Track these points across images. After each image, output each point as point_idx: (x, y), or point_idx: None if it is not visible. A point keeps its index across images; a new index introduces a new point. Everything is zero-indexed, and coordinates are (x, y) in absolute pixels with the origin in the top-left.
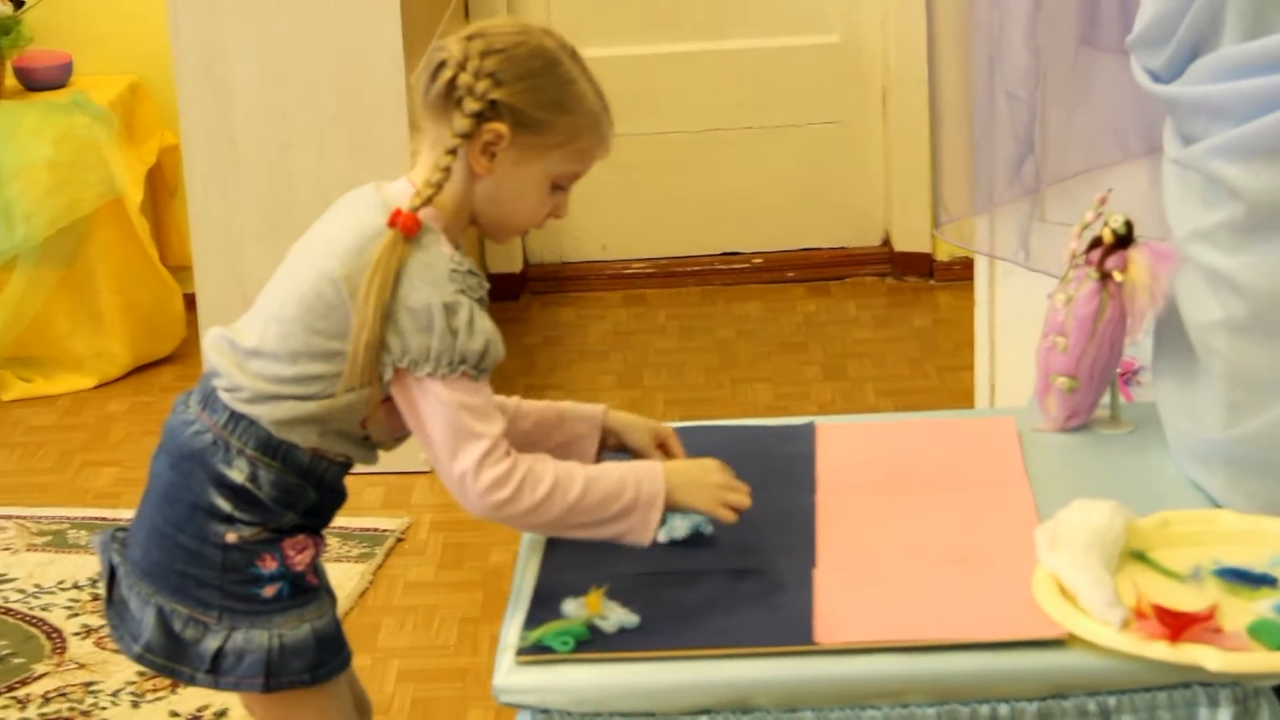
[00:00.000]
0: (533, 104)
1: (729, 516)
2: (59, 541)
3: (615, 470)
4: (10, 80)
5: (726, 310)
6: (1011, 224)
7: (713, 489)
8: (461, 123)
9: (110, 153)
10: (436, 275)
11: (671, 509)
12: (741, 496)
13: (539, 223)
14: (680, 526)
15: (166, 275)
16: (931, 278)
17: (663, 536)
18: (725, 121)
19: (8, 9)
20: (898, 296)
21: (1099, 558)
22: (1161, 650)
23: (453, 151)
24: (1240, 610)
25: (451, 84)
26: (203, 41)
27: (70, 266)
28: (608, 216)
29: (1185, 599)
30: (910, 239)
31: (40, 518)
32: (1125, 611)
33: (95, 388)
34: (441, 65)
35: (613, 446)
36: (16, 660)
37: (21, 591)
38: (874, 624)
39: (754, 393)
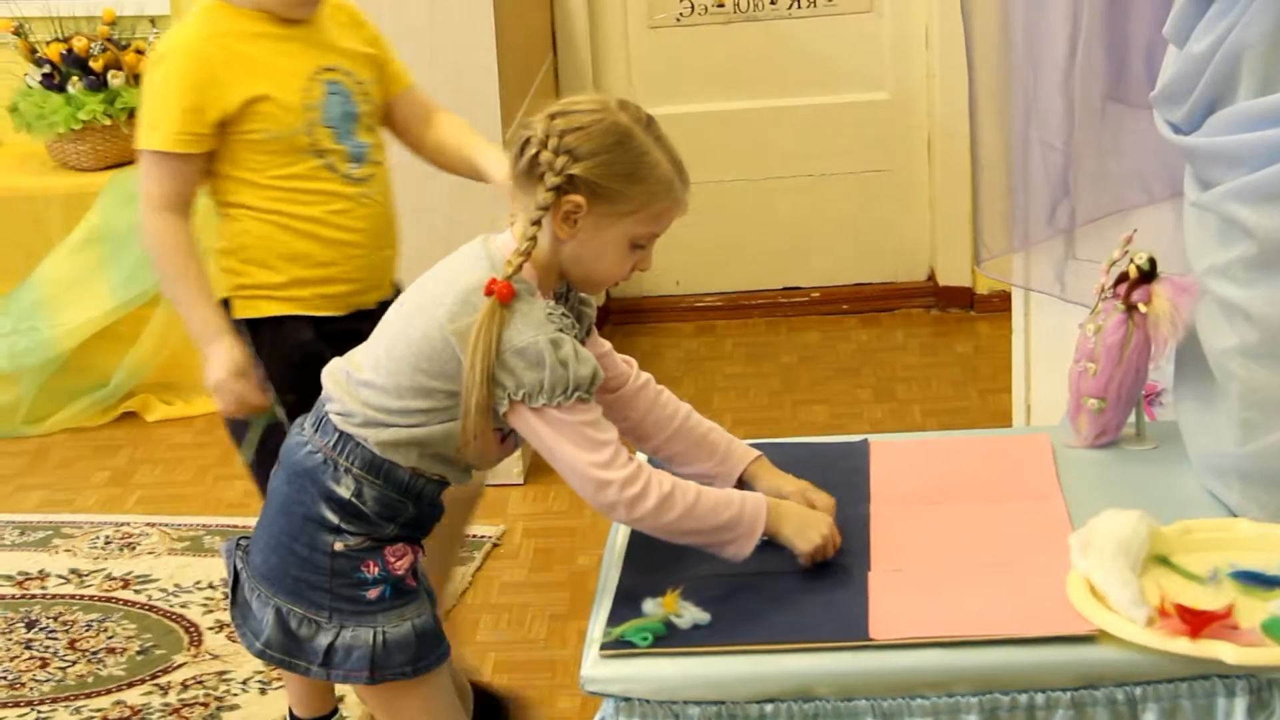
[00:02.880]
0: (607, 176)
1: (807, 564)
2: (196, 546)
3: (720, 490)
4: None
5: (788, 339)
6: (1047, 260)
7: (817, 538)
8: (543, 195)
9: None
10: (537, 319)
11: (773, 535)
12: (829, 548)
13: (625, 276)
14: None
15: None
16: (972, 309)
17: None
18: (786, 170)
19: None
20: (942, 326)
21: (1126, 561)
22: (1183, 645)
23: (537, 222)
24: (1255, 609)
25: (534, 160)
26: None
27: None
28: (681, 256)
29: (1205, 599)
30: (953, 274)
31: (180, 525)
32: (1150, 610)
33: None
34: (527, 142)
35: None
36: (159, 652)
37: (164, 590)
38: (923, 621)
39: (812, 413)
